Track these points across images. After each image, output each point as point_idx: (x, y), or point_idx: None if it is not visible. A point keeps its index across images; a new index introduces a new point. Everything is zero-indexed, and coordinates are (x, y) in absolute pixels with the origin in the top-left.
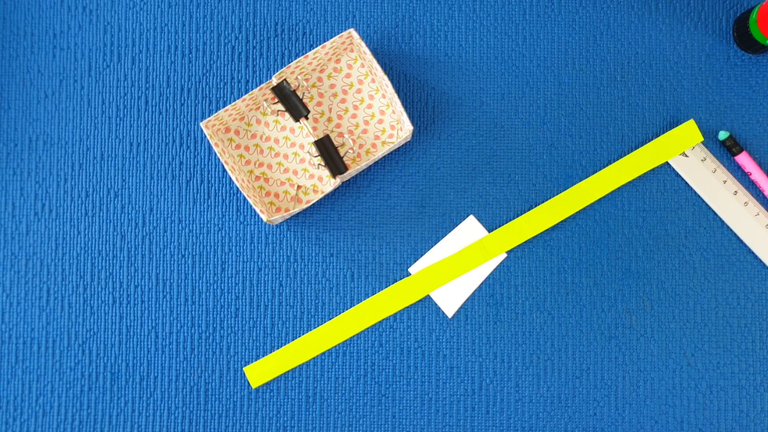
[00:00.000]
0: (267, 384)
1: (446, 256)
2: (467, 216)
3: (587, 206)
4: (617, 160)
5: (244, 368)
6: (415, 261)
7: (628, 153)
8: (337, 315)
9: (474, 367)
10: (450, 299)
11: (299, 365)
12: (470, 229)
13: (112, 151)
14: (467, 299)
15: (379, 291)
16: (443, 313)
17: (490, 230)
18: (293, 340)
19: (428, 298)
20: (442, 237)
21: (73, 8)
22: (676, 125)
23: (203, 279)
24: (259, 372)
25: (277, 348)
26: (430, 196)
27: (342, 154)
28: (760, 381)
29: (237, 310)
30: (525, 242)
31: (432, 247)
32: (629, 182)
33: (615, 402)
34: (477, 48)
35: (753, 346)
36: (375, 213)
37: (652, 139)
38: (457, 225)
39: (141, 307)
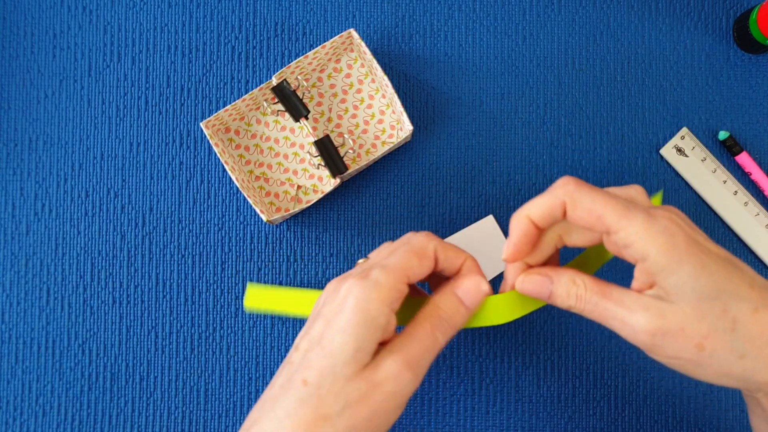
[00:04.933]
0: (267, 384)
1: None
2: (467, 216)
3: None
4: (617, 160)
5: (248, 283)
6: None
7: (628, 153)
8: None
9: (474, 367)
10: None
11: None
12: (487, 229)
13: (112, 151)
14: None
15: None
16: None
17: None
18: (293, 340)
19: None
20: (442, 237)
21: (73, 8)
22: (677, 125)
23: (203, 279)
24: (259, 297)
25: (277, 346)
26: (430, 196)
27: (342, 154)
28: None
29: (237, 310)
30: None
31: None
32: (629, 182)
33: (615, 402)
34: (477, 48)
35: None
36: (375, 213)
37: (651, 139)
38: (457, 224)
39: (141, 307)
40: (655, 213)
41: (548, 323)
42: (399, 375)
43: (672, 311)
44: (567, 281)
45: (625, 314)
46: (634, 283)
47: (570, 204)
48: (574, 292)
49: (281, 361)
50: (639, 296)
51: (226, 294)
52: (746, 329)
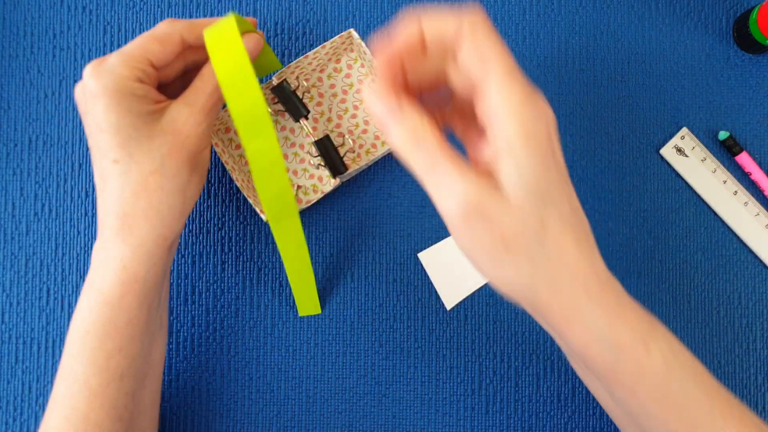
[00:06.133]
0: (267, 384)
1: None
2: None
3: (587, 207)
4: (617, 160)
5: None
6: (415, 261)
7: (628, 153)
8: (336, 314)
9: (474, 367)
10: (452, 291)
11: None
12: None
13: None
14: (468, 296)
15: (378, 292)
16: (443, 307)
17: None
18: (293, 340)
19: (430, 294)
20: (443, 237)
21: (73, 8)
22: (677, 125)
23: (203, 279)
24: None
25: (277, 346)
26: None
27: (342, 154)
28: (761, 381)
29: (237, 310)
30: None
31: (437, 242)
32: (629, 182)
33: None
34: None
35: (754, 345)
36: (375, 213)
37: (651, 139)
38: None
39: None
40: (537, 96)
41: None
42: (198, 121)
43: (497, 195)
44: (417, 119)
45: (451, 180)
46: (477, 152)
47: (468, 33)
48: (417, 134)
49: (281, 362)
50: (471, 169)
51: (226, 294)
52: (550, 242)
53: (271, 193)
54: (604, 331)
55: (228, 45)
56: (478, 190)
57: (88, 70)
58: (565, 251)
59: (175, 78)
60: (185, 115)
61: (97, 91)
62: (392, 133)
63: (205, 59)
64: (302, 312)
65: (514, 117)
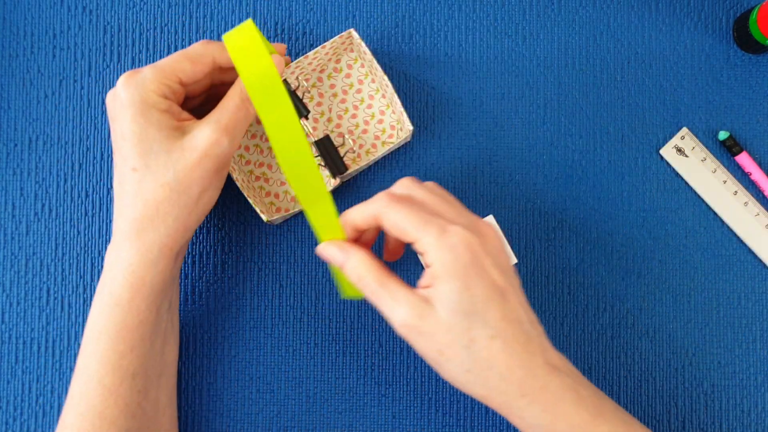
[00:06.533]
0: (267, 384)
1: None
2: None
3: (587, 207)
4: (617, 160)
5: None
6: (415, 261)
7: (628, 153)
8: (336, 314)
9: None
10: None
11: None
12: None
13: (111, 151)
14: None
15: None
16: None
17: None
18: (293, 340)
19: None
20: None
21: (73, 8)
22: (677, 125)
23: (203, 279)
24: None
25: (277, 346)
26: None
27: (342, 154)
28: (761, 380)
29: (237, 311)
30: (525, 244)
31: None
32: (629, 182)
33: (618, 402)
34: (477, 48)
35: (754, 345)
36: None
37: (651, 139)
38: None
39: None
40: (449, 230)
41: (552, 323)
42: (218, 140)
43: (430, 316)
44: (357, 261)
45: (392, 305)
46: (420, 280)
47: (381, 217)
48: (358, 272)
49: (281, 362)
50: (410, 294)
51: (226, 294)
52: (478, 351)
53: (297, 170)
54: (543, 424)
55: (243, 31)
56: (415, 313)
57: (122, 80)
58: (495, 357)
59: (202, 93)
60: (206, 133)
61: (125, 101)
62: (347, 265)
63: (232, 79)
64: (347, 293)
65: (434, 253)
